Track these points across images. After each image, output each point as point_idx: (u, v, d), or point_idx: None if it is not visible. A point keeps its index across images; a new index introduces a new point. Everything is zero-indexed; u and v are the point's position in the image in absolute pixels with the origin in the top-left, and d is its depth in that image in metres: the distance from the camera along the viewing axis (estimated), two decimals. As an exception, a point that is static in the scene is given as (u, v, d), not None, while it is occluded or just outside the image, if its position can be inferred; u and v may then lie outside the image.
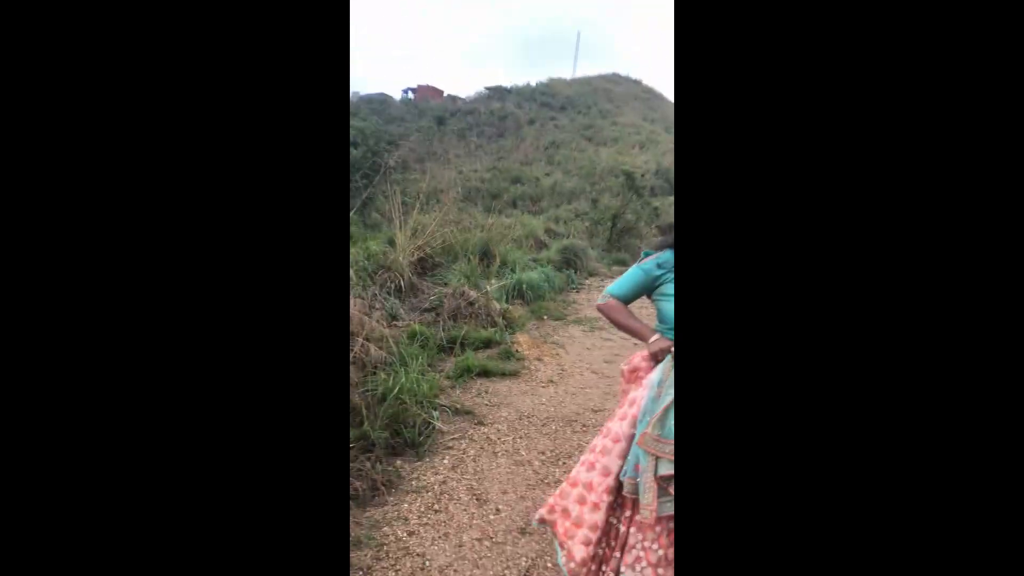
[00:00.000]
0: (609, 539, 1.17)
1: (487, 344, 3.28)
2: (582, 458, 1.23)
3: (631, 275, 1.23)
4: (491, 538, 1.57)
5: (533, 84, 21.61)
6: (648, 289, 1.22)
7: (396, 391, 2.10)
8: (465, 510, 1.69)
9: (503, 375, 2.86)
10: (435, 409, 2.21)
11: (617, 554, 1.15)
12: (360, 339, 2.42)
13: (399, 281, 4.17)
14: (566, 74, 25.91)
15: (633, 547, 1.12)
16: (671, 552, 1.10)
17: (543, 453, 2.07)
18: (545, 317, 4.27)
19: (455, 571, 1.43)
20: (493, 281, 4.59)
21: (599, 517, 1.15)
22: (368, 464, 1.77)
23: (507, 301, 4.28)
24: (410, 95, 22.36)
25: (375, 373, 2.29)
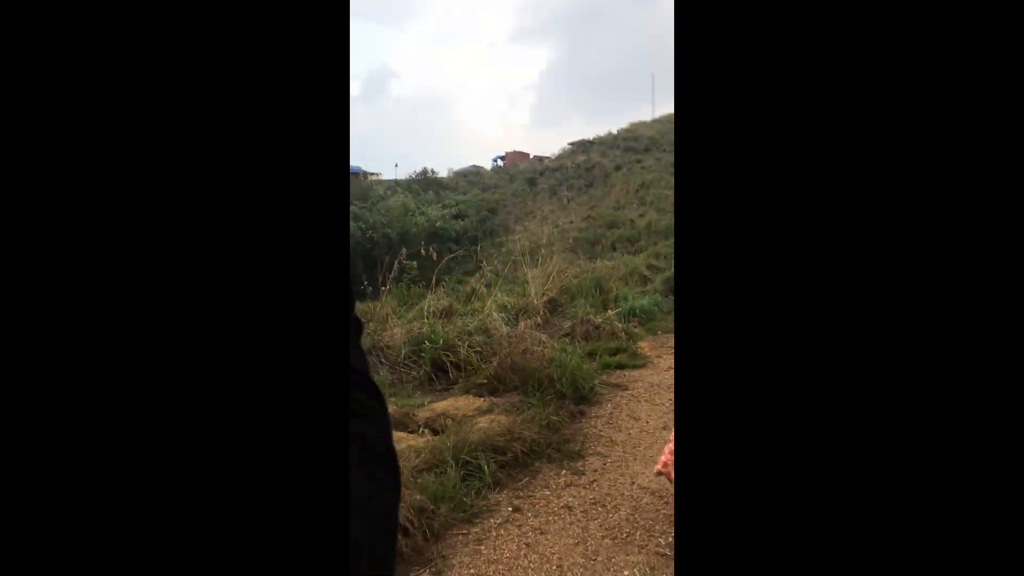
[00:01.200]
0: None
1: (616, 351, 4.61)
2: None
3: None
4: (646, 431, 2.90)
5: (615, 132, 23.28)
6: None
7: (570, 370, 3.52)
8: (626, 423, 3.03)
9: (633, 367, 4.18)
10: (595, 381, 3.60)
11: None
12: (539, 347, 3.91)
13: (536, 318, 5.71)
14: (645, 116, 27.36)
15: None
16: None
17: (670, 400, 3.36)
18: (659, 332, 5.51)
19: (629, 443, 2.77)
20: (611, 310, 5.96)
21: None
22: (564, 403, 3.20)
23: (625, 323, 5.60)
24: (499, 163, 25.05)
25: (550, 364, 3.74)
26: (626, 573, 1.78)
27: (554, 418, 2.93)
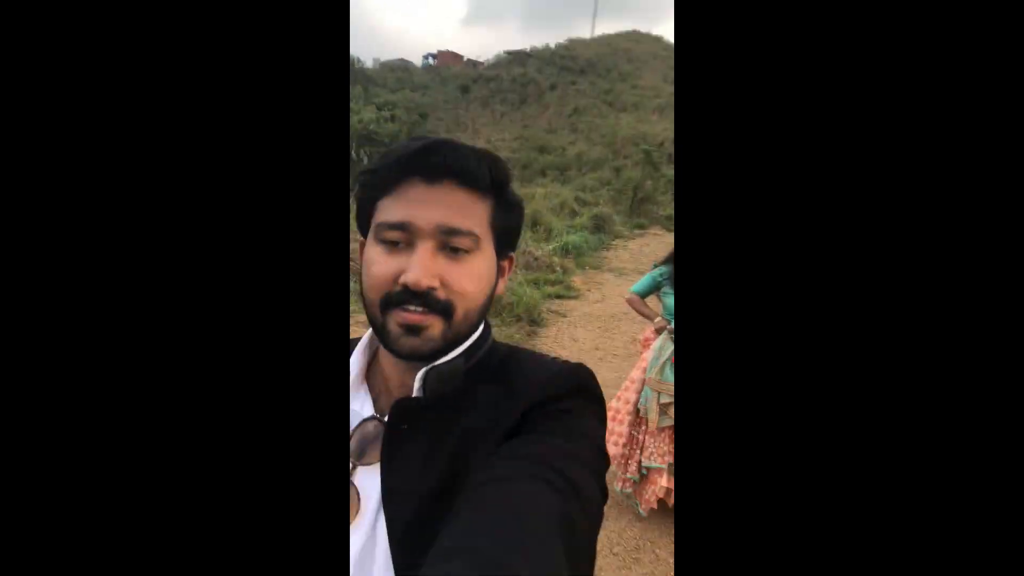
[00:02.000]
0: (632, 445, 2.12)
1: (554, 283, 5.67)
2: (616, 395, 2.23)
3: (644, 279, 2.12)
4: (584, 350, 4.02)
5: (552, 46, 23.18)
6: (655, 288, 2.10)
7: (525, 299, 4.52)
8: (568, 343, 4.13)
9: (569, 298, 5.28)
10: (542, 308, 4.65)
11: (638, 452, 2.11)
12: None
13: (483, 244, 6.59)
14: (584, 32, 27.19)
15: (647, 447, 2.08)
16: (667, 447, 2.06)
17: (599, 327, 4.51)
18: (587, 268, 6.65)
19: (572, 358, 3.87)
20: (546, 244, 6.97)
21: (624, 428, 2.13)
22: (521, 325, 4.23)
23: (559, 257, 6.66)
24: (431, 61, 24.05)
25: (507, 291, 4.72)
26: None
27: (516, 336, 3.95)
